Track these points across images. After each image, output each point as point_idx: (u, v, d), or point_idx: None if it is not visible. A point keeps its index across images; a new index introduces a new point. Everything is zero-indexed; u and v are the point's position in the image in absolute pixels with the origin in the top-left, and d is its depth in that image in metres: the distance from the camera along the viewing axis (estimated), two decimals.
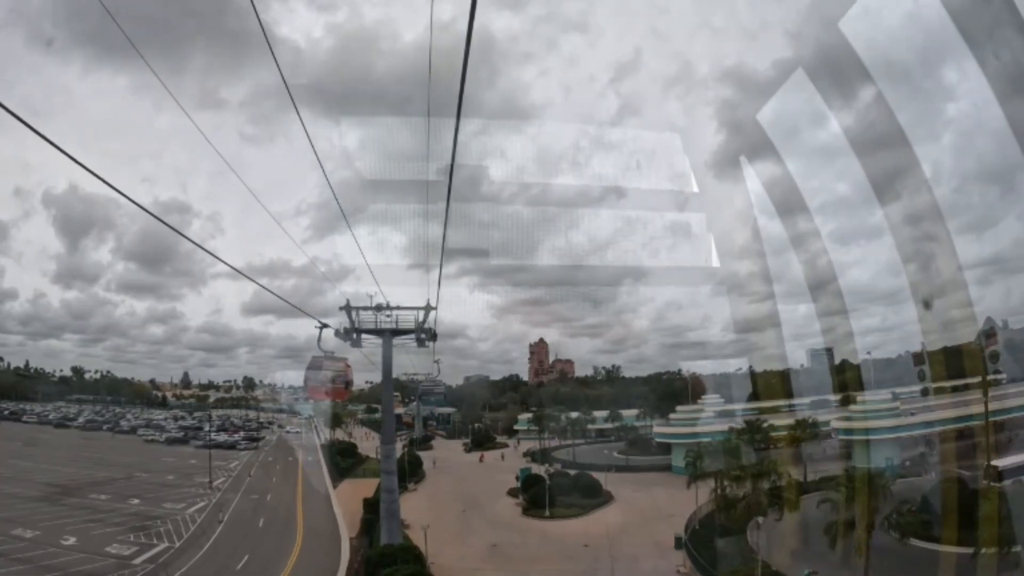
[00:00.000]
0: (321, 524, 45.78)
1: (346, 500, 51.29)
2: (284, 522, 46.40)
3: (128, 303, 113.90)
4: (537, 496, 48.94)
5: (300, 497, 54.35)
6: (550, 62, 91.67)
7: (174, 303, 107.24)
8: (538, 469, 60.20)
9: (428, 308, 31.26)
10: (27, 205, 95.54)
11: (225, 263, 37.77)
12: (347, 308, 31.63)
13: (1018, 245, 53.68)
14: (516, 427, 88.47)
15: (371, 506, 40.56)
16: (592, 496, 50.71)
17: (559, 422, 77.72)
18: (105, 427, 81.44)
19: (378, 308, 31.01)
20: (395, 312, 30.99)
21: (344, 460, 69.25)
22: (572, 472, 58.06)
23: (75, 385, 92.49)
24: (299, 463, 72.01)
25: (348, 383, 33.40)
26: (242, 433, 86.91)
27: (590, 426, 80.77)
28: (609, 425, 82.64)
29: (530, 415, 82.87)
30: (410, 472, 59.39)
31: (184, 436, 79.09)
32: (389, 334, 31.30)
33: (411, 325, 31.10)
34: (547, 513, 47.46)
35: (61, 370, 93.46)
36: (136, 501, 51.39)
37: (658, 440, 67.62)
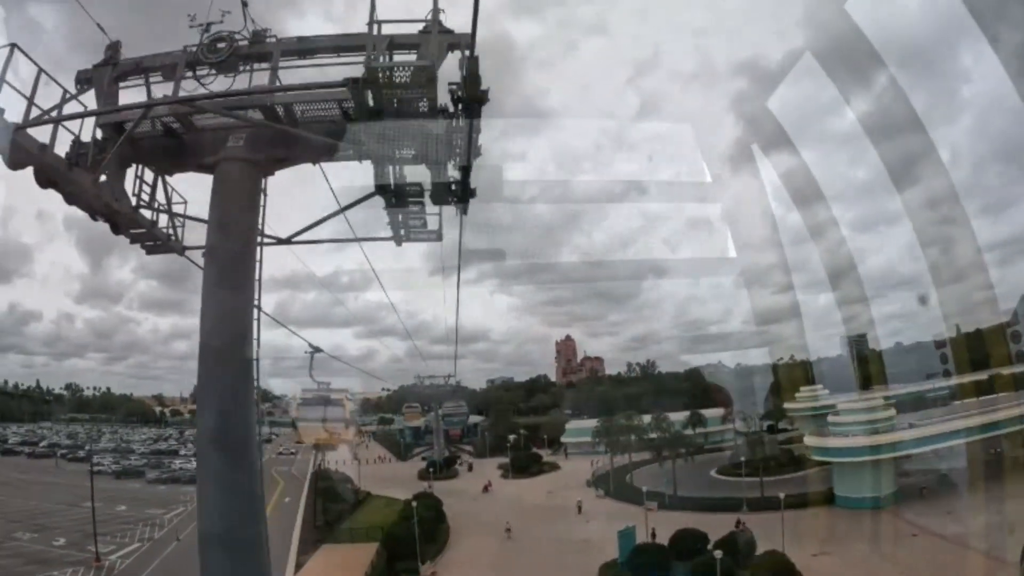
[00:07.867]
0: None
1: None
2: None
3: (151, 320, 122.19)
4: None
5: None
6: (569, 64, 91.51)
7: (195, 318, 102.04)
8: (634, 518, 36.11)
9: (441, 35, 5.79)
10: (49, 228, 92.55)
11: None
12: None
13: None
14: (564, 439, 67.08)
15: None
16: None
17: (641, 433, 53.63)
18: (60, 453, 66.85)
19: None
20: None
21: (331, 504, 49.10)
22: (701, 530, 32.36)
23: (69, 404, 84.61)
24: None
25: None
26: None
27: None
28: (689, 432, 59.54)
29: (595, 424, 58.63)
30: (425, 536, 35.35)
31: (144, 465, 64.09)
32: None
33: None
34: None
35: (55, 388, 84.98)
36: None
37: (816, 457, 42.96)
